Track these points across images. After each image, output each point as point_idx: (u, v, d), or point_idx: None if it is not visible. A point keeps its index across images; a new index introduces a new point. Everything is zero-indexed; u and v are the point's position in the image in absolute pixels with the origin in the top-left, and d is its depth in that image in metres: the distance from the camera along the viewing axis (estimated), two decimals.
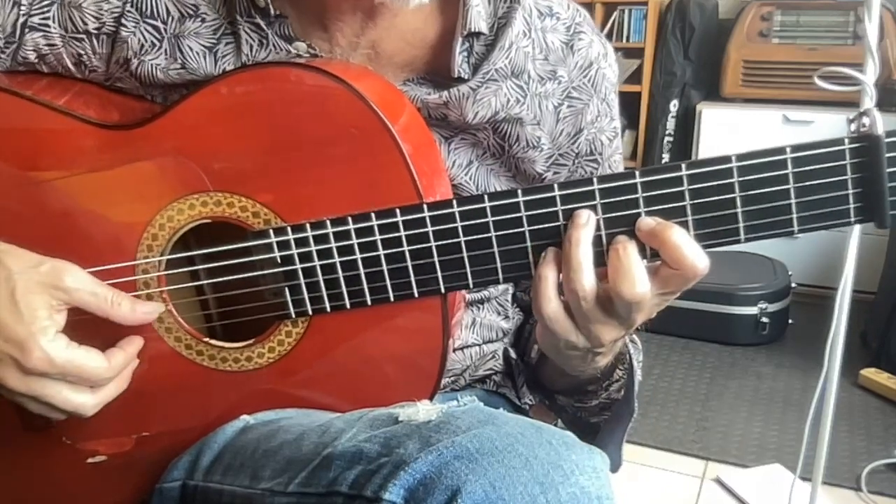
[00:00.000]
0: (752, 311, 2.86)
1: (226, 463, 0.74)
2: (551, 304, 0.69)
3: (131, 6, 0.79)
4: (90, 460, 0.81)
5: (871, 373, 2.58)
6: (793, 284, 2.97)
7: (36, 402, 0.70)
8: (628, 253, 0.66)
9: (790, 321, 2.95)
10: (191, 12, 0.79)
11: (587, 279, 0.67)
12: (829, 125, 3.07)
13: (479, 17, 0.79)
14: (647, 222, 0.67)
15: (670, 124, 3.61)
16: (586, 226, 0.67)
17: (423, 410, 0.67)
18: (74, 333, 0.70)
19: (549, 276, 0.69)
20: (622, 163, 0.91)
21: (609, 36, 3.66)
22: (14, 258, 0.69)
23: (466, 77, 0.80)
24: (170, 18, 0.79)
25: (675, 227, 0.66)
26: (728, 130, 3.34)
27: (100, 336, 0.73)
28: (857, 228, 1.53)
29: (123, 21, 0.79)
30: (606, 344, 0.71)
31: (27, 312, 0.67)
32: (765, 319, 2.85)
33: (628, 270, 0.66)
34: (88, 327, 0.72)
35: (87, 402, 0.71)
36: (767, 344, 2.89)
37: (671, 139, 3.63)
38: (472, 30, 0.79)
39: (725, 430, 2.38)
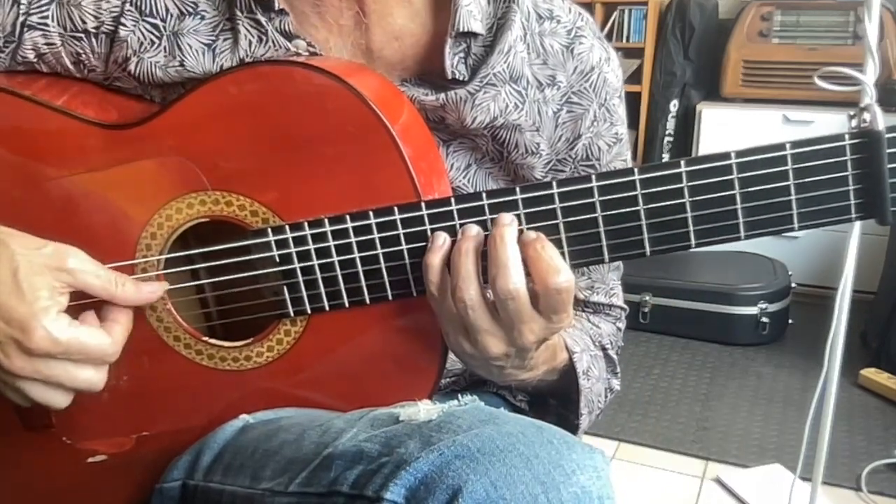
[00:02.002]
0: (752, 311, 2.86)
1: (226, 463, 0.74)
2: (438, 289, 0.70)
3: (131, 5, 0.79)
4: (90, 460, 0.81)
5: (871, 373, 2.58)
6: (793, 284, 2.97)
7: (43, 386, 0.69)
8: (506, 244, 0.67)
9: (790, 321, 2.95)
10: (190, 10, 0.79)
11: (474, 289, 0.68)
12: (829, 125, 3.07)
13: (469, 16, 0.78)
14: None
15: (670, 124, 3.61)
16: (475, 237, 0.69)
17: (423, 410, 0.67)
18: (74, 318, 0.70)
19: (434, 262, 0.70)
20: None
21: (609, 36, 3.67)
22: (17, 240, 0.68)
23: (462, 79, 0.80)
24: (169, 16, 0.79)
25: (538, 242, 0.67)
26: (728, 130, 3.34)
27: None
28: (857, 228, 1.53)
29: (123, 20, 0.79)
30: (497, 356, 0.71)
31: (29, 293, 0.66)
32: (765, 319, 2.85)
33: (504, 264, 0.67)
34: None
35: (93, 376, 0.70)
36: (767, 344, 2.89)
37: (671, 139, 3.63)
38: (462, 30, 0.78)
39: (725, 430, 2.38)
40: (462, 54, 0.80)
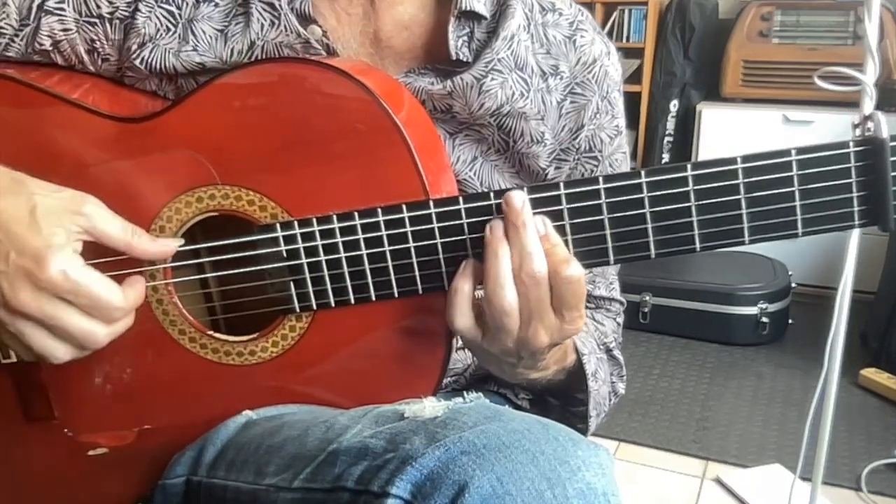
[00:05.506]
0: (752, 311, 2.86)
1: (229, 459, 0.75)
2: (464, 318, 0.70)
3: None
4: (91, 453, 0.81)
5: (871, 373, 2.58)
6: (793, 284, 2.97)
7: (45, 332, 0.67)
8: (528, 228, 0.67)
9: (790, 321, 2.95)
10: None
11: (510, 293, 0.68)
12: (829, 125, 3.08)
13: None
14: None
15: (670, 124, 3.61)
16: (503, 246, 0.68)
17: (429, 407, 0.67)
18: None
19: (464, 288, 0.70)
20: (626, 162, 0.91)
21: (609, 36, 3.65)
22: (35, 181, 0.68)
23: (466, 60, 0.80)
24: (184, 4, 0.79)
25: (547, 234, 0.68)
26: (728, 130, 3.34)
27: None
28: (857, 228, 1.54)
29: (140, 7, 0.79)
30: (510, 351, 0.71)
31: (46, 229, 0.66)
32: (765, 319, 2.85)
33: (528, 250, 0.67)
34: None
35: (99, 330, 0.69)
36: (767, 344, 2.89)
37: (671, 139, 3.63)
38: (465, 8, 0.79)
39: (725, 430, 2.38)
40: (466, 38, 0.81)
